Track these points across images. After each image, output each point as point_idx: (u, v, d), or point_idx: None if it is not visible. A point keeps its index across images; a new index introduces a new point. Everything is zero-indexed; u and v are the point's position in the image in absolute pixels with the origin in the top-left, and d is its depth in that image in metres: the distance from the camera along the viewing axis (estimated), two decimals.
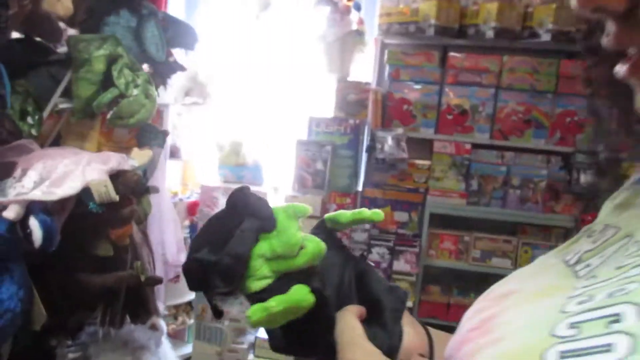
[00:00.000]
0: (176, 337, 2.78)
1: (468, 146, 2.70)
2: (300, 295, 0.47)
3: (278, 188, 2.77)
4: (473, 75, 2.72)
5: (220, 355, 2.67)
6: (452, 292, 2.74)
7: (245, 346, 2.68)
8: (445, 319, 2.68)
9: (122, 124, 1.01)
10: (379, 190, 2.75)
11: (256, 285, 0.48)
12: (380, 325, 0.51)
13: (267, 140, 2.86)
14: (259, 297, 0.48)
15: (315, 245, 0.50)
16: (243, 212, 0.50)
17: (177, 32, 1.17)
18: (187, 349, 2.74)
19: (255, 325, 0.47)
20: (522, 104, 2.67)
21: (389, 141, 2.67)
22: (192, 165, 2.82)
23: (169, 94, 2.45)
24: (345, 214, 0.56)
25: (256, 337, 2.47)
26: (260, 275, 0.48)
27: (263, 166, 2.76)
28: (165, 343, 1.22)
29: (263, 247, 0.48)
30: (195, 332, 2.73)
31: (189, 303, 2.80)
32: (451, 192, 2.71)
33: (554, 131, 2.66)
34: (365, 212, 0.57)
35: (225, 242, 0.48)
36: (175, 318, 2.77)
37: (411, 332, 0.53)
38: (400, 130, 2.68)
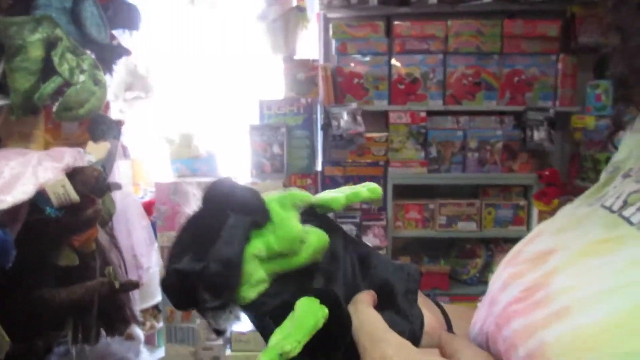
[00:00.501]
0: (147, 343, 2.65)
1: (423, 114, 2.70)
2: (313, 316, 0.38)
3: (236, 176, 2.67)
4: (420, 43, 2.70)
5: (195, 355, 2.57)
6: (423, 261, 2.75)
7: (220, 342, 2.59)
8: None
9: (71, 116, 0.89)
10: (338, 167, 2.71)
11: (252, 293, 0.40)
12: (396, 311, 0.45)
13: (218, 129, 2.75)
14: (256, 306, 0.40)
15: (318, 237, 0.42)
16: (227, 207, 0.41)
17: (118, 11, 1.05)
18: (160, 352, 2.62)
19: None
20: (470, 67, 2.69)
21: (344, 116, 2.62)
22: (142, 164, 2.67)
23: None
24: (338, 199, 0.46)
25: (232, 332, 2.39)
26: (256, 280, 0.40)
27: (217, 156, 2.65)
28: (144, 351, 1.12)
29: (257, 246, 0.40)
30: (165, 335, 2.62)
31: (156, 307, 2.67)
32: (411, 162, 2.70)
33: (503, 91, 2.70)
34: (362, 192, 0.48)
35: (210, 245, 0.39)
36: (144, 323, 2.63)
37: (427, 313, 0.47)
38: (354, 105, 2.64)
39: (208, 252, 0.39)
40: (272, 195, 0.43)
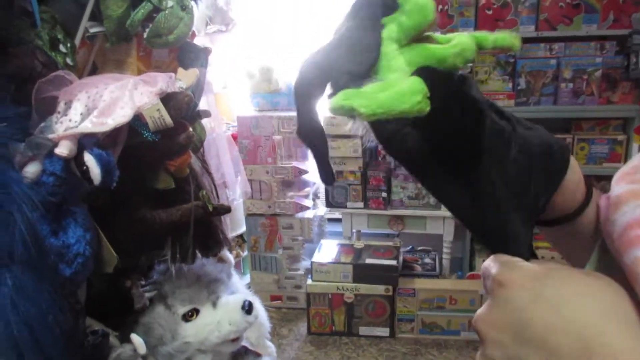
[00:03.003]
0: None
1: None
2: (407, 98, 0.34)
3: None
4: None
5: (277, 282, 2.70)
6: None
7: (301, 272, 2.69)
8: None
9: (162, 42, 0.90)
10: None
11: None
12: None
13: (298, 62, 2.72)
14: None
15: (466, 38, 0.40)
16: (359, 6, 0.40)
17: None
18: (245, 280, 2.78)
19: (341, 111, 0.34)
20: None
21: None
22: (224, 98, 2.72)
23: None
24: (487, 38, 0.43)
25: (312, 262, 2.47)
26: (395, 66, 0.38)
27: None
28: (235, 274, 1.18)
29: (391, 29, 0.39)
30: (250, 263, 2.75)
31: (241, 236, 2.80)
32: (497, 94, 2.56)
33: (606, 13, 2.44)
34: (507, 38, 0.44)
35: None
36: (230, 252, 2.79)
37: None
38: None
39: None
40: None
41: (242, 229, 2.73)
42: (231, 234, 2.71)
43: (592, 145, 2.53)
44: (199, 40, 2.53)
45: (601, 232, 0.42)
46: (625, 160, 2.50)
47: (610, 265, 0.38)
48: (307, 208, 2.66)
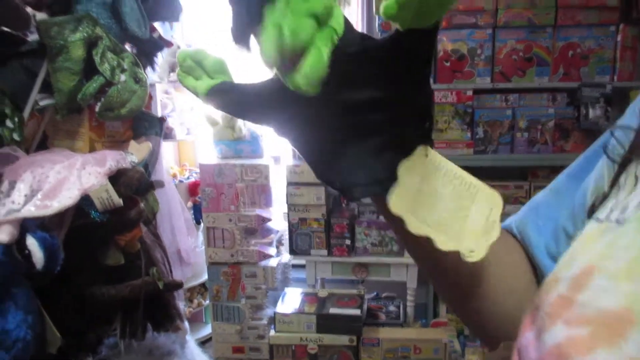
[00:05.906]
0: (194, 320, 2.74)
1: (470, 93, 2.59)
2: None
3: (279, 158, 2.66)
4: (468, 17, 2.58)
5: (240, 333, 2.64)
6: None
7: (264, 322, 2.64)
8: None
9: (114, 116, 0.89)
10: None
11: None
12: None
13: None
14: None
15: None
16: None
17: (157, 2, 1.03)
18: (207, 329, 2.70)
19: None
20: (521, 41, 2.55)
21: None
22: (187, 145, 2.70)
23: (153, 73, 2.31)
24: None
25: (275, 313, 2.42)
26: None
27: (261, 138, 2.65)
28: (191, 341, 1.14)
29: None
30: (212, 313, 2.68)
31: (203, 284, 2.74)
32: (457, 143, 2.62)
33: (557, 67, 2.55)
34: None
35: None
36: (191, 300, 2.71)
37: None
38: None
39: None
40: None
41: (204, 277, 2.67)
42: (194, 283, 2.65)
43: None
44: (162, 87, 2.53)
45: None
46: None
47: None
48: (270, 256, 2.63)
